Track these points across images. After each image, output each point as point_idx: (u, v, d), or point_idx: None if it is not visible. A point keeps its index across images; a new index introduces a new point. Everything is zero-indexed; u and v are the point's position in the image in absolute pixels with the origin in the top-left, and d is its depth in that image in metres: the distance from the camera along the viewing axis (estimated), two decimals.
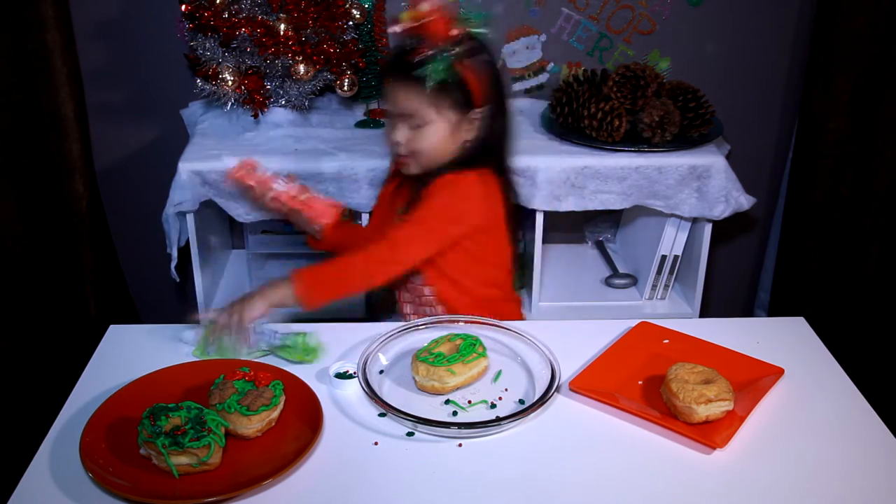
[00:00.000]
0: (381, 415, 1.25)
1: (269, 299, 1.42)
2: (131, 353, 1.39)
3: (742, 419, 1.23)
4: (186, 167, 1.97)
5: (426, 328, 1.44)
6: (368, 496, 1.10)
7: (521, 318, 1.78)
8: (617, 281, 2.37)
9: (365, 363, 1.31)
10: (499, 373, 1.36)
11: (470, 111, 1.54)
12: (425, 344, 1.35)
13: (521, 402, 1.29)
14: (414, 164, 1.57)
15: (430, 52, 1.45)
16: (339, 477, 1.13)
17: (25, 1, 2.06)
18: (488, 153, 1.60)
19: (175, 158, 1.99)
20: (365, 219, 2.07)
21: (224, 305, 1.42)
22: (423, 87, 1.47)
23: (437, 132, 1.53)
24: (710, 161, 2.03)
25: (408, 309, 1.71)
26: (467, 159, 1.58)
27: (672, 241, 2.20)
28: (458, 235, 1.57)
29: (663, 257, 2.23)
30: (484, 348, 1.34)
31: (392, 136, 1.56)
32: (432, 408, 1.27)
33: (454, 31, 1.47)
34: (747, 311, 2.74)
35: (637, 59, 2.35)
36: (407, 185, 1.64)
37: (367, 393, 1.25)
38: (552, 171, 2.01)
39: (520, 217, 1.86)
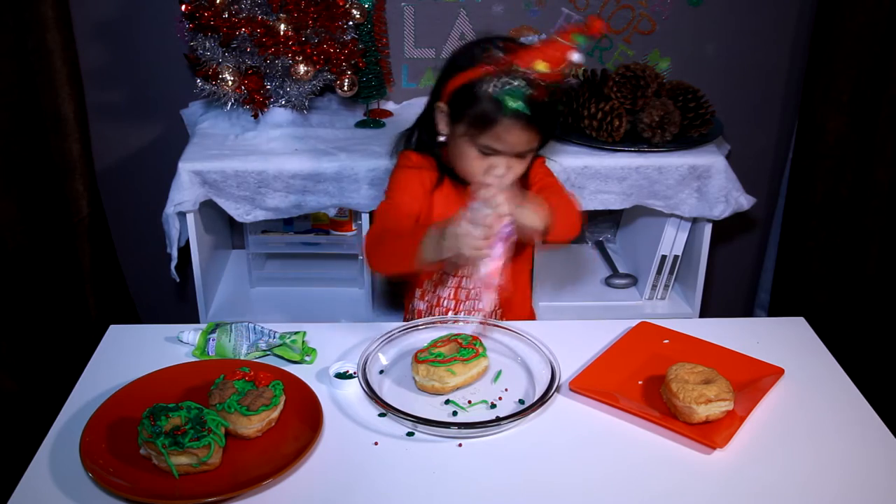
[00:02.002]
0: (381, 415, 1.25)
1: (521, 211, 1.36)
2: (131, 353, 1.39)
3: (742, 419, 1.23)
4: (186, 167, 1.97)
5: (426, 328, 1.44)
6: (368, 496, 1.10)
7: (533, 316, 1.80)
8: (617, 281, 2.37)
9: (365, 363, 1.31)
10: (499, 373, 1.36)
11: None
12: (425, 344, 1.35)
13: (521, 402, 1.29)
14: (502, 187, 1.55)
15: (549, 90, 1.41)
16: (339, 477, 1.13)
17: (25, 1, 2.06)
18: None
19: (175, 158, 1.99)
20: (365, 219, 2.07)
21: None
22: (547, 125, 1.45)
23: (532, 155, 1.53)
24: (710, 161, 2.03)
25: (421, 305, 1.69)
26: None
27: (672, 241, 2.20)
28: None
29: (663, 257, 2.23)
30: (484, 348, 1.34)
31: (496, 171, 1.46)
32: (432, 408, 1.27)
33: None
34: (747, 311, 2.74)
35: (637, 59, 2.35)
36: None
37: (367, 393, 1.25)
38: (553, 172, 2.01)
39: None
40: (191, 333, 1.40)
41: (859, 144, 2.29)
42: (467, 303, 1.64)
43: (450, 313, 1.63)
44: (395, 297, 2.21)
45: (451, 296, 1.64)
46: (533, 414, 1.23)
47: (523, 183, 1.59)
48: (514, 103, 1.38)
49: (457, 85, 1.47)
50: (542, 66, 1.38)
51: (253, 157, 2.01)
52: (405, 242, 1.43)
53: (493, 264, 1.34)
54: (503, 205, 1.31)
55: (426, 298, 1.68)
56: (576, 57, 1.38)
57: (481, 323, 1.43)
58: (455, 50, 1.55)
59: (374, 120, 2.23)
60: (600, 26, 1.37)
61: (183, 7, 1.99)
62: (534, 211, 1.39)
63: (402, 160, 1.64)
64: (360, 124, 2.22)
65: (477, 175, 1.49)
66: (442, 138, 1.54)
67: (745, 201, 2.07)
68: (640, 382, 1.33)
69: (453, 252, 1.33)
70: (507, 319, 1.48)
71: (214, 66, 1.99)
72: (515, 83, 1.39)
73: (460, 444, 1.20)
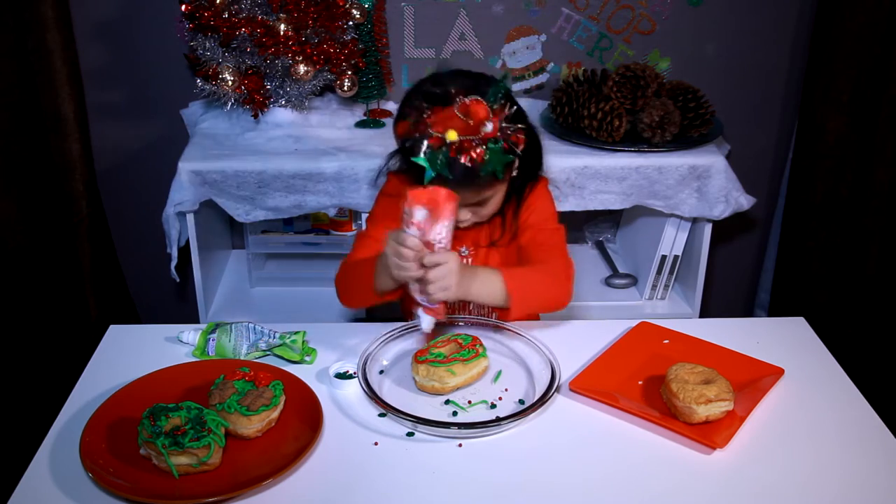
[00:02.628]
0: (381, 415, 1.25)
1: (467, 291, 1.33)
2: (131, 353, 1.39)
3: (742, 419, 1.23)
4: (186, 167, 1.97)
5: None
6: (368, 496, 1.10)
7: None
8: (617, 281, 2.37)
9: (365, 363, 1.31)
10: (499, 373, 1.36)
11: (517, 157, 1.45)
12: (425, 344, 1.35)
13: (521, 402, 1.29)
14: (476, 225, 1.52)
15: (484, 147, 1.32)
16: (339, 477, 1.13)
17: (25, 1, 2.06)
18: (535, 167, 1.57)
19: (175, 158, 1.99)
20: (365, 219, 2.07)
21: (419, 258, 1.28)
22: (489, 180, 1.38)
23: (502, 192, 1.48)
24: (710, 161, 2.03)
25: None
26: (530, 177, 1.55)
27: (672, 241, 2.20)
28: None
29: (663, 257, 2.23)
30: (484, 348, 1.34)
31: (460, 218, 1.43)
32: (432, 408, 1.27)
33: (495, 118, 1.34)
34: (747, 311, 2.74)
35: (637, 59, 2.35)
36: (476, 223, 1.55)
37: (367, 393, 1.25)
38: (552, 171, 2.01)
39: None
40: (191, 333, 1.40)
41: (859, 144, 2.29)
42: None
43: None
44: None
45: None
46: (533, 414, 1.23)
47: (514, 213, 1.55)
48: (434, 168, 1.31)
49: (400, 133, 1.41)
50: (452, 136, 1.31)
51: (253, 157, 2.01)
52: (363, 271, 1.43)
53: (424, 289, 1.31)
54: (445, 279, 1.27)
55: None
56: (488, 127, 1.31)
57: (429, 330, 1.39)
58: (409, 89, 1.47)
59: (374, 120, 2.23)
60: (481, 115, 1.30)
61: (183, 7, 1.99)
62: (484, 287, 1.36)
63: (386, 186, 1.63)
64: (360, 124, 2.22)
65: None
66: (404, 168, 1.51)
67: (745, 201, 2.07)
68: (640, 382, 1.33)
69: (392, 276, 1.32)
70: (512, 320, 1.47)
71: (214, 66, 1.99)
72: (434, 148, 1.31)
73: (460, 444, 1.20)
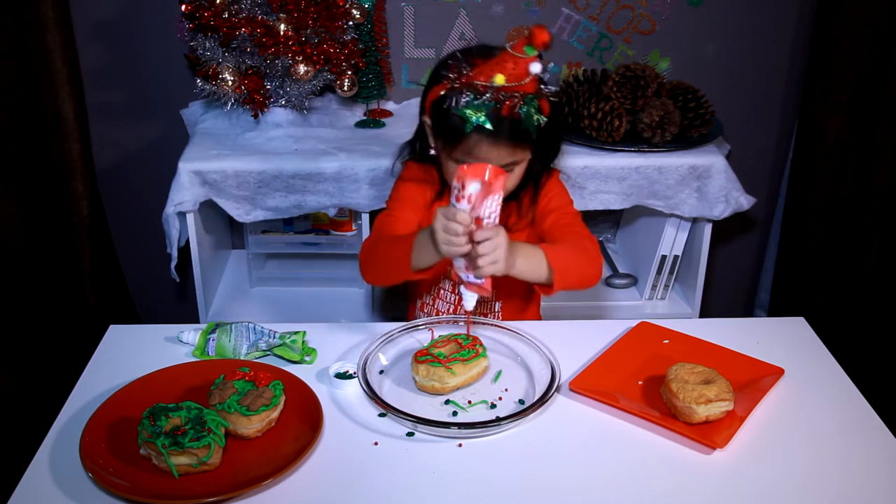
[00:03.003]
0: (381, 415, 1.25)
1: (514, 267, 1.33)
2: (131, 353, 1.39)
3: (742, 419, 1.23)
4: (186, 167, 1.97)
5: (426, 328, 1.44)
6: (368, 496, 1.10)
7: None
8: (617, 281, 2.37)
9: (365, 363, 1.31)
10: (499, 373, 1.36)
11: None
12: (425, 344, 1.35)
13: (521, 402, 1.29)
14: None
15: (524, 103, 1.36)
16: (339, 477, 1.13)
17: (25, 1, 2.06)
18: (555, 153, 1.61)
19: (175, 158, 1.99)
20: (365, 219, 2.07)
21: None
22: (525, 136, 1.40)
23: (526, 163, 1.49)
24: (710, 161, 2.03)
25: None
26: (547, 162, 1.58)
27: (672, 241, 2.20)
28: None
29: (663, 257, 2.23)
30: (484, 348, 1.34)
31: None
32: (432, 408, 1.27)
33: (539, 75, 1.38)
34: (747, 311, 2.74)
35: (637, 59, 2.35)
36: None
37: (367, 393, 1.25)
38: None
39: None
40: (191, 333, 1.40)
41: (859, 144, 2.29)
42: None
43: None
44: (395, 297, 2.21)
45: (451, 311, 1.64)
46: (533, 414, 1.23)
47: (532, 200, 1.57)
48: (475, 118, 1.35)
49: (432, 99, 1.46)
50: (500, 80, 1.35)
51: (253, 157, 2.01)
52: (398, 248, 1.43)
53: (467, 266, 1.32)
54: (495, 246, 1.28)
55: (425, 311, 1.68)
56: (535, 68, 1.34)
57: (466, 322, 1.42)
58: (437, 62, 1.52)
59: (374, 120, 2.23)
60: (545, 38, 1.32)
61: (183, 7, 1.99)
62: (528, 262, 1.37)
63: (405, 171, 1.64)
64: (360, 124, 2.22)
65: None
66: (432, 151, 1.53)
67: (745, 201, 2.07)
68: (640, 382, 1.33)
69: (440, 252, 1.32)
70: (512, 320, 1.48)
71: (214, 66, 1.99)
72: (477, 98, 1.36)
73: (460, 444, 1.20)
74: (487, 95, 1.35)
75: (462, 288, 1.35)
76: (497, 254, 1.29)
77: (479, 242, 1.28)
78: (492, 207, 1.28)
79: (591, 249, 1.50)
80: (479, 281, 1.33)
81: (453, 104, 1.37)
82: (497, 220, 1.30)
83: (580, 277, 1.48)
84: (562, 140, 1.60)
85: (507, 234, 1.44)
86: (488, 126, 1.36)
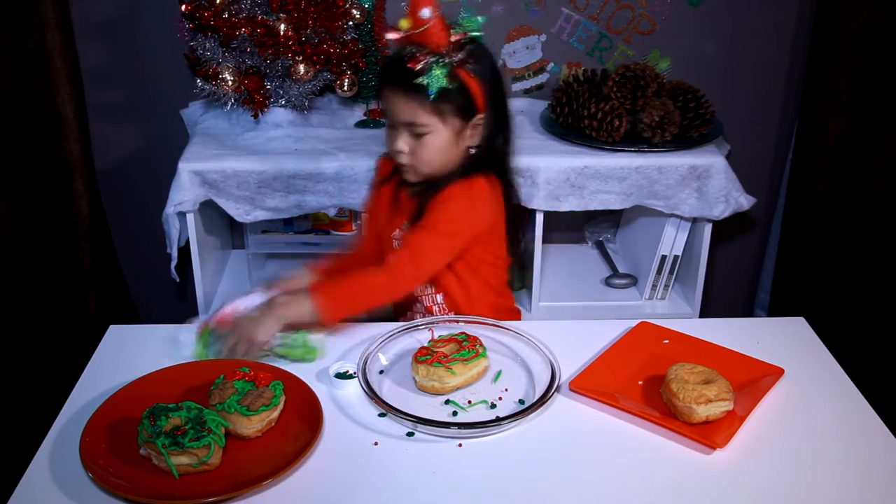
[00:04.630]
0: (381, 415, 1.25)
1: (282, 318, 1.37)
2: (131, 353, 1.39)
3: (742, 419, 1.23)
4: (186, 167, 1.97)
5: (426, 328, 1.44)
6: (368, 496, 1.10)
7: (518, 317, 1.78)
8: (617, 281, 2.37)
9: (365, 363, 1.31)
10: (499, 373, 1.36)
11: (472, 117, 1.50)
12: (425, 344, 1.35)
13: (521, 402, 1.29)
14: (416, 172, 1.53)
15: (431, 60, 1.41)
16: (339, 477, 1.13)
17: (25, 1, 2.06)
18: (492, 158, 1.57)
19: (175, 158, 1.99)
20: (365, 219, 2.07)
21: (229, 323, 1.38)
22: (425, 95, 1.43)
23: (441, 140, 1.49)
24: (710, 161, 2.03)
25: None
26: (473, 165, 1.55)
27: (672, 241, 2.20)
28: (472, 241, 1.55)
29: (663, 257, 2.23)
30: (484, 348, 1.34)
31: (394, 144, 1.51)
32: (432, 408, 1.27)
33: (453, 37, 1.43)
34: (747, 311, 2.74)
35: (637, 59, 2.35)
36: (407, 193, 1.61)
37: (367, 393, 1.25)
38: (552, 171, 2.01)
39: (523, 219, 1.84)
40: (186, 333, 1.39)
41: (859, 144, 2.29)
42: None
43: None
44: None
45: (443, 312, 1.65)
46: (533, 414, 1.23)
47: (427, 199, 1.54)
48: (384, 66, 1.46)
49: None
50: (404, 24, 1.42)
51: (253, 157, 2.01)
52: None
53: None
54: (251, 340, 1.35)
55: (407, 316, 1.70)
56: (425, 12, 1.39)
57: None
58: None
59: (374, 120, 2.23)
60: (444, 36, 1.41)
61: (183, 7, 1.99)
62: (293, 310, 1.38)
63: (377, 171, 1.72)
64: (360, 124, 2.22)
65: (389, 150, 1.55)
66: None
67: (745, 201, 2.07)
68: (640, 382, 1.33)
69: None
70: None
71: (214, 66, 1.99)
72: (393, 53, 1.44)
73: (460, 444, 1.20)
74: (400, 51, 1.43)
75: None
76: (238, 345, 1.35)
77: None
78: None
79: (380, 281, 1.48)
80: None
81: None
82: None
83: (363, 309, 1.47)
84: (507, 132, 1.57)
85: (398, 224, 1.56)
86: (391, 76, 1.45)
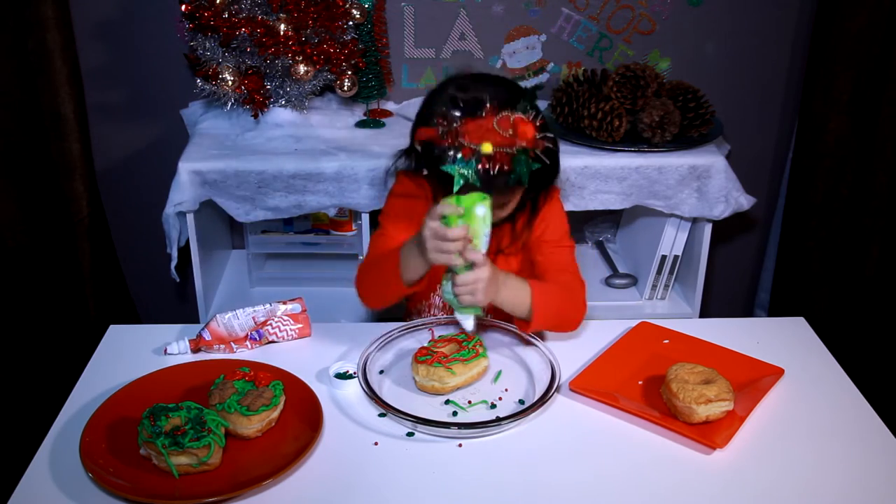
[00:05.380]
0: (381, 415, 1.25)
1: (505, 296, 1.34)
2: (131, 353, 1.39)
3: (742, 419, 1.23)
4: (186, 167, 1.97)
5: (426, 328, 1.44)
6: (368, 496, 1.10)
7: None
8: (617, 281, 2.37)
9: (365, 363, 1.31)
10: (499, 373, 1.36)
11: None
12: (425, 344, 1.35)
13: (521, 402, 1.29)
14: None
15: (512, 156, 1.28)
16: (339, 477, 1.13)
17: (25, 1, 2.06)
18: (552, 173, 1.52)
19: (175, 158, 1.99)
20: (365, 219, 2.07)
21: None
22: (516, 185, 1.32)
23: (518, 196, 1.43)
24: (710, 161, 2.03)
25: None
26: (546, 183, 1.51)
27: (672, 241, 2.20)
28: None
29: (663, 257, 2.23)
30: (484, 348, 1.34)
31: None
32: (432, 408, 1.27)
33: (530, 130, 1.31)
34: (747, 311, 2.74)
35: (637, 59, 2.35)
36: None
37: (367, 393, 1.25)
38: None
39: None
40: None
41: (859, 144, 2.29)
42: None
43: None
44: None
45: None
46: (533, 414, 1.23)
47: (527, 222, 1.51)
48: (465, 178, 1.28)
49: (421, 138, 1.38)
50: (487, 149, 1.27)
51: (253, 157, 2.01)
52: (386, 264, 1.41)
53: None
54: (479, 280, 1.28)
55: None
56: (524, 141, 1.28)
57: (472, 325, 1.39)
58: (430, 90, 1.46)
59: (374, 120, 2.23)
60: (528, 135, 1.28)
61: (183, 7, 1.99)
62: (511, 296, 1.36)
63: (397, 186, 1.60)
64: (360, 124, 2.22)
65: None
66: (426, 172, 1.45)
67: (745, 201, 2.07)
68: (640, 382, 1.33)
69: (427, 260, 1.30)
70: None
71: (214, 66, 1.99)
72: (466, 156, 1.28)
73: (460, 444, 1.20)
74: (475, 157, 1.28)
75: (456, 313, 1.34)
76: (475, 287, 1.28)
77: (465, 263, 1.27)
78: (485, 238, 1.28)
79: (578, 297, 1.47)
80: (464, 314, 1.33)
81: (443, 157, 1.29)
82: (486, 247, 1.29)
83: (560, 322, 1.46)
84: (558, 165, 1.50)
85: (500, 256, 1.44)
86: (476, 183, 1.28)
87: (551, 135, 1.37)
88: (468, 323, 1.34)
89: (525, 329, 1.41)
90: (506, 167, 1.28)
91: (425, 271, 1.36)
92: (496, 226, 1.44)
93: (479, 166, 1.27)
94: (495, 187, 1.31)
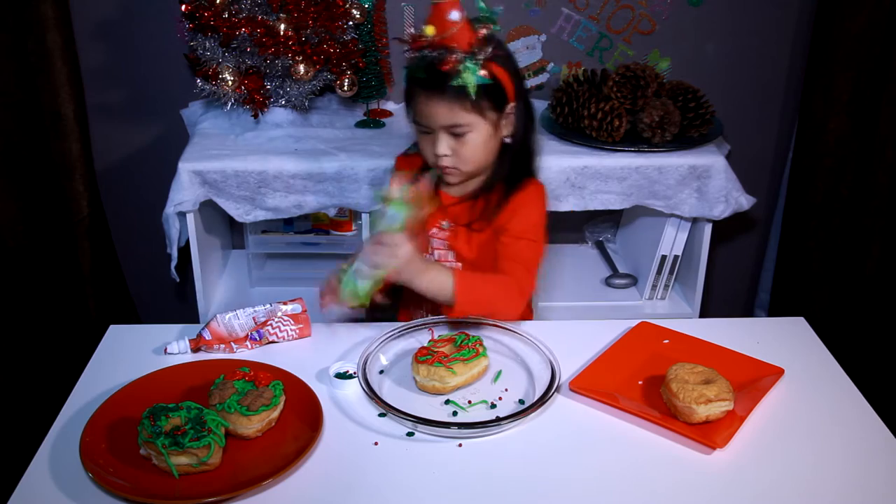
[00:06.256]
0: (381, 415, 1.25)
1: (419, 277, 1.39)
2: (131, 353, 1.39)
3: (742, 419, 1.23)
4: (186, 167, 1.97)
5: (426, 328, 1.44)
6: (368, 496, 1.10)
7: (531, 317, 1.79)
8: (617, 281, 2.37)
9: (365, 363, 1.31)
10: (499, 373, 1.36)
11: (505, 108, 1.51)
12: (425, 343, 1.35)
13: (521, 402, 1.29)
14: (459, 173, 1.54)
15: (463, 59, 1.41)
16: (339, 477, 1.13)
17: (25, 1, 2.06)
18: (529, 155, 1.60)
19: (175, 158, 1.99)
20: (365, 219, 2.07)
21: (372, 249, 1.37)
22: (464, 95, 1.43)
23: (481, 135, 1.50)
24: (710, 161, 2.03)
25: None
26: (519, 165, 1.57)
27: (672, 241, 2.20)
28: None
29: (663, 257, 2.23)
30: (484, 348, 1.34)
31: (435, 149, 1.50)
32: (432, 408, 1.27)
33: (478, 34, 1.44)
34: (747, 311, 2.74)
35: (637, 59, 2.35)
36: (446, 193, 1.60)
37: (367, 393, 1.25)
38: (552, 172, 2.01)
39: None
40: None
41: (859, 144, 2.29)
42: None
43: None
44: (395, 298, 2.20)
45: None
46: (533, 414, 1.23)
47: (498, 206, 1.55)
48: (412, 72, 1.43)
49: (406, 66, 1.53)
50: (429, 31, 1.41)
51: (253, 157, 2.01)
52: None
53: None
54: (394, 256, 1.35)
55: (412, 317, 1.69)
56: (454, 15, 1.39)
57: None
58: None
59: (374, 120, 2.23)
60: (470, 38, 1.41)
61: (183, 7, 1.99)
62: (433, 280, 1.40)
63: (394, 167, 1.70)
64: (360, 124, 2.22)
65: (427, 156, 1.53)
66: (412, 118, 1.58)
67: (745, 201, 2.07)
68: (640, 382, 1.33)
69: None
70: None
71: (214, 66, 1.99)
72: (419, 54, 1.43)
73: (460, 444, 1.20)
74: (427, 53, 1.42)
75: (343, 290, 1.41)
76: (394, 251, 1.35)
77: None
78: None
79: (512, 290, 1.49)
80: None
81: (405, 67, 1.45)
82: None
83: (490, 312, 1.46)
84: (532, 128, 1.59)
85: (465, 230, 1.54)
86: (421, 76, 1.43)
87: (522, 92, 1.52)
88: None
89: (448, 313, 1.44)
90: (453, 65, 1.40)
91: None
92: (474, 198, 1.56)
93: (427, 58, 1.42)
94: (440, 85, 1.43)
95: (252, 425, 1.17)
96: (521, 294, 1.50)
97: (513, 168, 1.57)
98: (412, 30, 1.48)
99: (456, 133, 1.48)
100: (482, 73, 1.42)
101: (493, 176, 1.56)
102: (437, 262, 1.46)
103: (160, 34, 2.28)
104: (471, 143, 1.50)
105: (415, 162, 1.62)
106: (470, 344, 1.32)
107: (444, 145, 1.49)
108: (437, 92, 1.44)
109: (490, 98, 1.47)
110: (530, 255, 1.54)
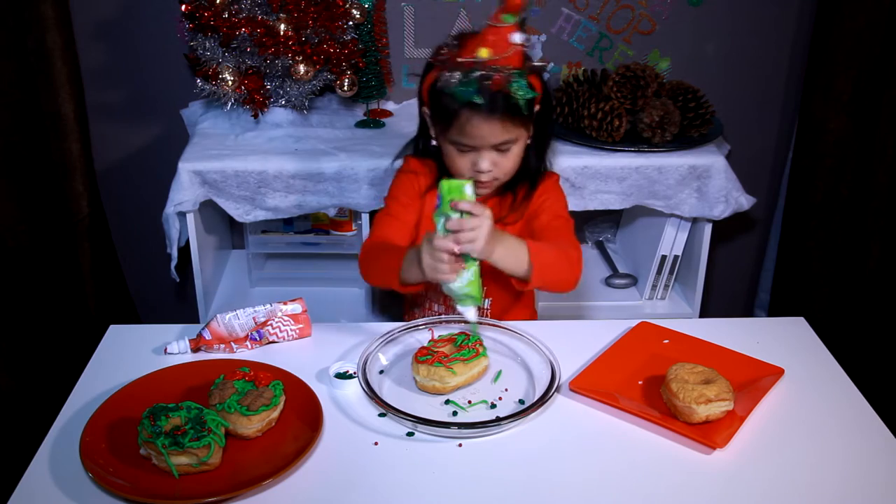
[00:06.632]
0: (381, 415, 1.25)
1: (503, 249, 1.34)
2: (131, 353, 1.39)
3: (742, 419, 1.23)
4: (186, 167, 1.97)
5: (426, 328, 1.44)
6: (368, 496, 1.10)
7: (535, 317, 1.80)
8: (617, 281, 2.37)
9: (365, 363, 1.31)
10: (499, 373, 1.36)
11: (534, 110, 1.51)
12: (425, 343, 1.35)
13: (521, 402, 1.29)
14: (497, 182, 1.53)
15: (513, 77, 1.38)
16: (339, 477, 1.13)
17: (25, 1, 2.06)
18: (545, 151, 1.62)
19: (175, 158, 1.99)
20: (365, 219, 2.07)
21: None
22: (515, 112, 1.42)
23: (521, 145, 1.50)
24: (710, 161, 2.03)
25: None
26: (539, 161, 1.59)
27: (672, 241, 2.20)
28: None
29: (663, 257, 2.23)
30: (484, 348, 1.34)
31: (478, 166, 1.47)
32: (432, 408, 1.27)
33: (525, 50, 1.42)
34: (747, 311, 2.74)
35: (637, 59, 2.35)
36: (489, 196, 1.59)
37: (367, 393, 1.25)
38: (553, 170, 2.01)
39: None
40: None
41: (859, 144, 2.29)
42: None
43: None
44: (395, 297, 2.21)
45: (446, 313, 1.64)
46: (533, 414, 1.23)
47: (526, 195, 1.58)
48: (464, 95, 1.37)
49: (427, 86, 1.49)
50: (484, 53, 1.37)
51: (253, 157, 2.01)
52: (390, 259, 1.44)
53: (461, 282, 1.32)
54: (477, 233, 1.28)
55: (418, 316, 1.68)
56: (516, 38, 1.37)
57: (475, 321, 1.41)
58: (431, 53, 1.54)
59: (374, 120, 2.23)
60: (517, 2, 1.35)
61: (183, 7, 1.99)
62: (509, 252, 1.37)
63: (403, 166, 1.67)
64: (360, 124, 2.22)
65: (461, 170, 1.50)
66: (433, 142, 1.55)
67: (745, 201, 2.07)
68: (640, 382, 1.33)
69: (424, 275, 1.33)
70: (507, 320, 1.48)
71: (214, 66, 1.99)
72: (465, 75, 1.38)
73: (460, 444, 1.20)
74: (474, 71, 1.37)
75: (457, 305, 1.35)
76: (477, 234, 1.28)
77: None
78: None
79: (573, 257, 1.50)
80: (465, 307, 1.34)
81: (444, 84, 1.39)
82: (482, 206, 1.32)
83: (557, 280, 1.48)
84: (553, 122, 1.62)
85: (500, 226, 1.46)
86: (477, 100, 1.38)
87: (545, 65, 1.49)
88: (470, 313, 1.34)
89: (523, 287, 1.42)
90: (505, 82, 1.37)
91: (421, 281, 1.38)
92: (502, 193, 1.55)
93: (479, 80, 1.36)
94: (495, 105, 1.39)
95: (252, 425, 1.17)
96: (578, 261, 1.51)
97: (538, 162, 1.59)
98: (445, 50, 1.43)
99: (502, 149, 1.47)
100: (529, 86, 1.41)
101: (521, 173, 1.56)
102: (507, 233, 1.40)
103: (160, 34, 2.28)
104: (513, 154, 1.50)
105: (430, 165, 1.61)
106: (470, 344, 1.32)
107: (488, 162, 1.48)
108: (489, 112, 1.41)
109: (529, 108, 1.46)
110: (570, 231, 1.57)
